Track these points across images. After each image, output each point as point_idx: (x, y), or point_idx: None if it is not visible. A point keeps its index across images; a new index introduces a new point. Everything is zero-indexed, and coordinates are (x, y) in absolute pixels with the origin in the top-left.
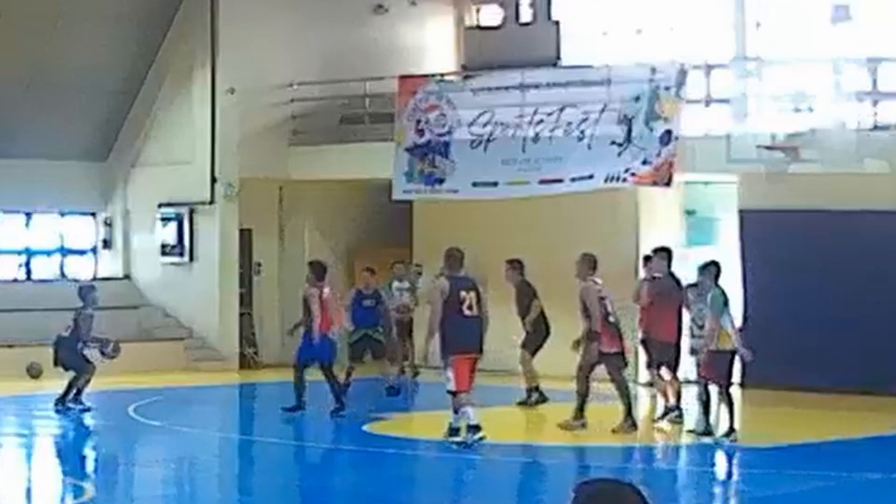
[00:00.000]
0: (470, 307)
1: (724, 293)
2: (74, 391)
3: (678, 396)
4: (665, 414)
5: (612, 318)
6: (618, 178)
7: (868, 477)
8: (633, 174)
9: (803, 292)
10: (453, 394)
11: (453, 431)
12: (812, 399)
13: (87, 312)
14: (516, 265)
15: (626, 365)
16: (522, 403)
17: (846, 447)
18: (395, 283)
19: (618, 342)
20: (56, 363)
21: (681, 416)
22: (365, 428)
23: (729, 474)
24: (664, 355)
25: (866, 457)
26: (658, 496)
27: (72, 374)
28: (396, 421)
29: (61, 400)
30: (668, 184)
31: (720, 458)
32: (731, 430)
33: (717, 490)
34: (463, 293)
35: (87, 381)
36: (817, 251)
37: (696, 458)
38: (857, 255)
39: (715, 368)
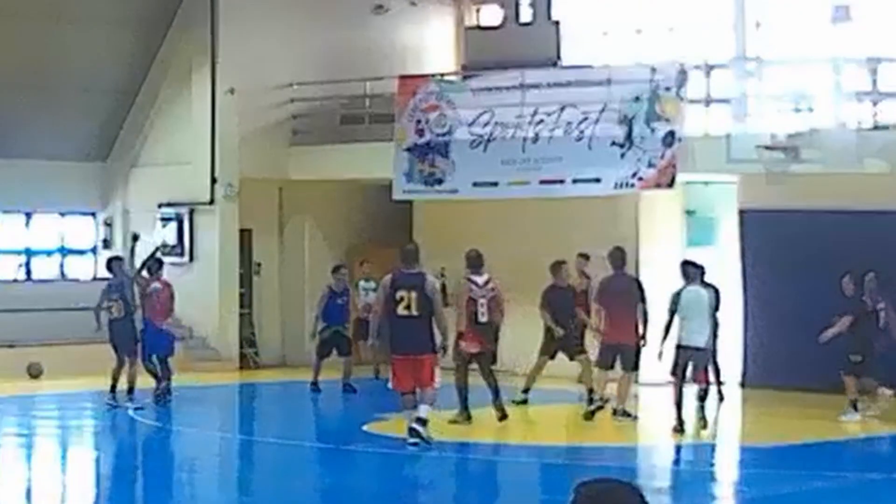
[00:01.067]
0: (408, 307)
1: (678, 293)
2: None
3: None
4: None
5: (481, 319)
6: (626, 185)
7: (868, 477)
8: (639, 178)
9: (803, 292)
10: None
11: (411, 431)
12: (812, 399)
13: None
14: None
15: (493, 362)
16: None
17: (846, 447)
18: (362, 283)
19: (479, 343)
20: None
21: (599, 408)
22: (365, 428)
23: (729, 474)
24: (610, 355)
25: (866, 457)
26: (657, 496)
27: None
28: (397, 421)
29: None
30: (670, 185)
31: (719, 458)
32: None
33: (717, 490)
34: (401, 292)
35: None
36: (817, 251)
37: (694, 457)
38: (858, 255)
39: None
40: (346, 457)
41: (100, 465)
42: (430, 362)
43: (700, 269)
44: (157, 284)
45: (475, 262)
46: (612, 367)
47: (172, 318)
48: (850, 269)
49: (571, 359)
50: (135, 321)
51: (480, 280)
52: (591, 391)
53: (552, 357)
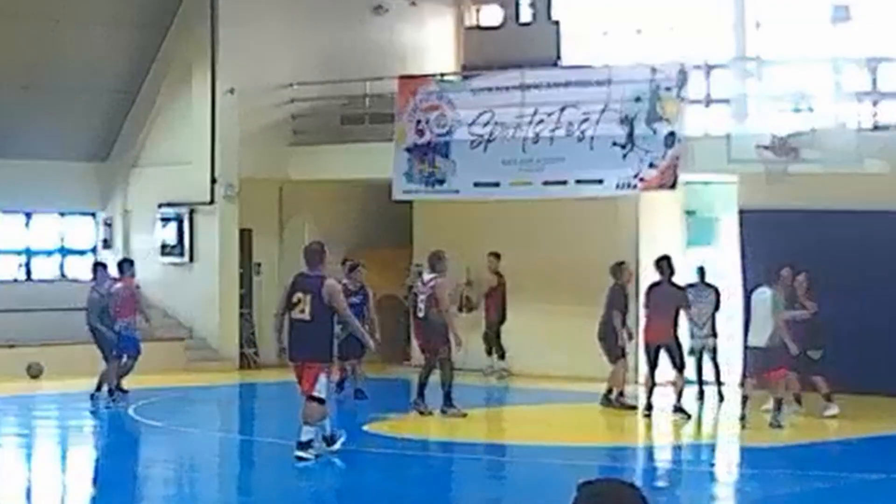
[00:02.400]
0: (302, 311)
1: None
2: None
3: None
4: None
5: (419, 315)
6: (628, 185)
7: (868, 477)
8: (641, 179)
9: None
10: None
11: (301, 445)
12: (812, 399)
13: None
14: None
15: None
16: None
17: (846, 447)
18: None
19: (418, 337)
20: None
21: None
22: (365, 428)
23: (729, 474)
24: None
25: (866, 457)
26: (658, 496)
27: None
28: (396, 421)
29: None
30: (672, 186)
31: (720, 458)
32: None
33: (717, 490)
34: (298, 295)
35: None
36: (817, 251)
37: (694, 457)
38: (858, 255)
39: None
40: (346, 457)
41: (100, 466)
42: (315, 371)
43: (701, 270)
44: (118, 285)
45: (430, 262)
46: (656, 365)
47: (134, 318)
48: (806, 269)
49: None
50: (109, 323)
51: (427, 278)
52: (610, 390)
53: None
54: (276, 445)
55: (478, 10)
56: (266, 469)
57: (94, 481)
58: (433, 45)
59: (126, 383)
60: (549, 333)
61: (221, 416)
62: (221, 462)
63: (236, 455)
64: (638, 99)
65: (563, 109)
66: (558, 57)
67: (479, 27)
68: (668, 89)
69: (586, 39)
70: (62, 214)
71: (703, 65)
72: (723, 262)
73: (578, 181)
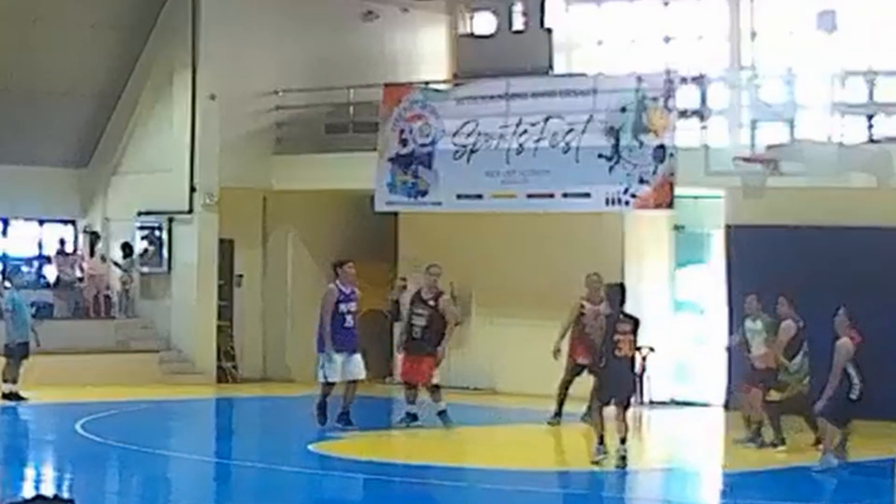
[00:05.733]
0: None
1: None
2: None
3: None
4: None
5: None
6: (619, 201)
7: None
8: (633, 195)
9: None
10: None
11: None
12: (796, 423)
13: None
14: None
15: None
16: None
17: (835, 474)
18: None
19: None
20: None
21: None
22: (311, 447)
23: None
24: None
25: (854, 484)
26: None
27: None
28: (346, 440)
29: None
30: (670, 205)
31: (701, 484)
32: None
33: None
34: None
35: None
36: (806, 268)
37: (676, 484)
38: (847, 272)
39: None
40: (282, 478)
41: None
42: None
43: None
44: None
45: None
46: None
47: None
48: (784, 291)
49: None
50: None
51: None
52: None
53: None
54: (209, 464)
55: (471, 18)
56: (189, 489)
57: None
58: (426, 53)
59: (89, 395)
60: (529, 351)
61: (168, 432)
62: (144, 481)
63: (160, 473)
64: (623, 109)
65: (547, 120)
66: (550, 66)
67: (472, 35)
68: (654, 99)
69: (581, 49)
70: (41, 222)
71: (689, 76)
72: (716, 280)
73: (566, 195)
